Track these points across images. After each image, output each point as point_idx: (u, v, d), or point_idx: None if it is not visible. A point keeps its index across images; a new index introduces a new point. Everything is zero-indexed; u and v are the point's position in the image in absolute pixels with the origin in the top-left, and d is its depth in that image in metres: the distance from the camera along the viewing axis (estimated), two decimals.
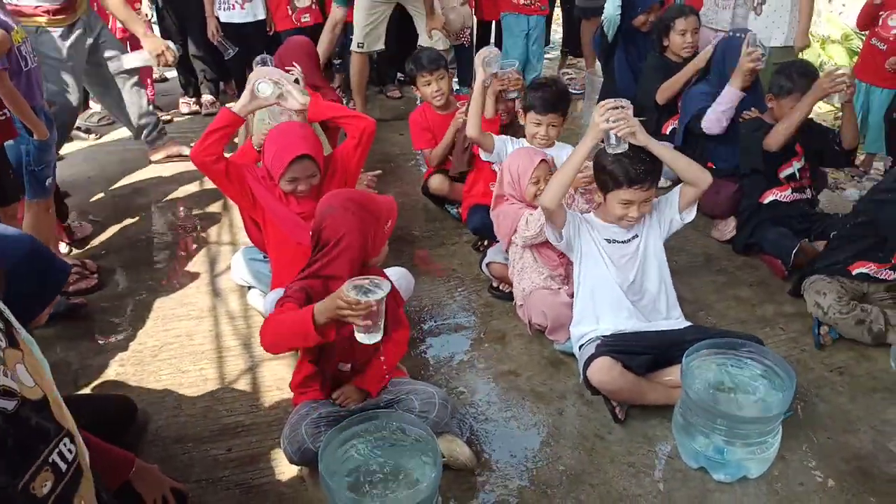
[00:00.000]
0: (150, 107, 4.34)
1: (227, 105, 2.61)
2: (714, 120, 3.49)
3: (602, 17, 4.41)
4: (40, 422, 1.06)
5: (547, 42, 6.50)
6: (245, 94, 2.58)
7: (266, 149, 2.62)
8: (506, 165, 2.90)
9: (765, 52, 3.35)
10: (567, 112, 3.11)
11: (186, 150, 4.28)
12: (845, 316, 2.69)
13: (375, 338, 1.83)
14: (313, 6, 4.79)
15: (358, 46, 4.55)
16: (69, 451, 1.12)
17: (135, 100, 4.13)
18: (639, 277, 2.49)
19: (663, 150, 2.39)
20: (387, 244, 2.15)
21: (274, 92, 2.56)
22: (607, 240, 2.49)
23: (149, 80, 5.09)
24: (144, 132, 4.28)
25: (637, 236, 2.50)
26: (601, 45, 4.61)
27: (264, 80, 2.56)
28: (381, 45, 4.65)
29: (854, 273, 2.81)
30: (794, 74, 3.19)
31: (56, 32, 3.53)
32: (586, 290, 2.52)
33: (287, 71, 2.97)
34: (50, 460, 1.07)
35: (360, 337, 1.82)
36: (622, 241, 2.49)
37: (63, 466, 1.10)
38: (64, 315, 2.80)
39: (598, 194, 2.48)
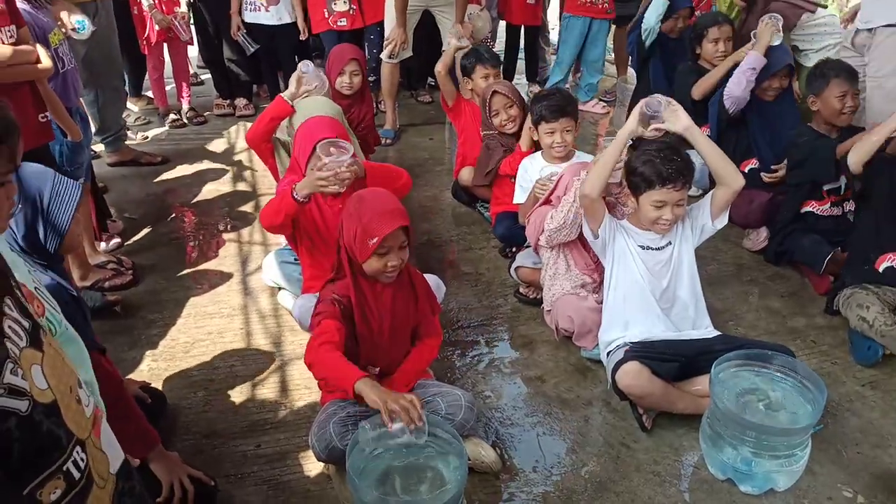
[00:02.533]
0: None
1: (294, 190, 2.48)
2: (741, 83, 3.49)
3: (642, 26, 4.39)
4: (51, 427, 1.05)
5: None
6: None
7: (295, 143, 2.67)
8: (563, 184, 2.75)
9: (781, 37, 3.51)
10: (577, 116, 3.08)
11: (142, 158, 4.40)
12: (891, 327, 2.60)
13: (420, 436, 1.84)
14: (351, 11, 4.83)
15: (389, 57, 4.59)
16: (81, 459, 1.11)
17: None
18: (671, 285, 2.48)
19: (701, 140, 2.40)
20: (407, 250, 2.08)
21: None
22: (641, 246, 2.47)
23: (184, 84, 5.18)
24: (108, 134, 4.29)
25: (671, 243, 2.48)
26: (637, 52, 4.59)
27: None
28: (409, 53, 4.69)
29: (881, 269, 2.75)
30: (826, 69, 3.19)
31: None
32: (618, 295, 2.50)
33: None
34: (64, 468, 1.07)
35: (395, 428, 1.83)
36: (656, 248, 2.47)
37: (77, 475, 1.09)
38: (100, 310, 2.86)
39: (630, 200, 2.46)
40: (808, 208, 3.25)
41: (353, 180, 2.49)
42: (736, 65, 3.71)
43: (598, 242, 2.51)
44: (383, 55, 4.63)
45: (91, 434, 1.16)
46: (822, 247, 3.12)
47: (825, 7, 4.29)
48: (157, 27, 4.67)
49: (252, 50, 4.91)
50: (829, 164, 3.08)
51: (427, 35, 4.96)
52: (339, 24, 4.84)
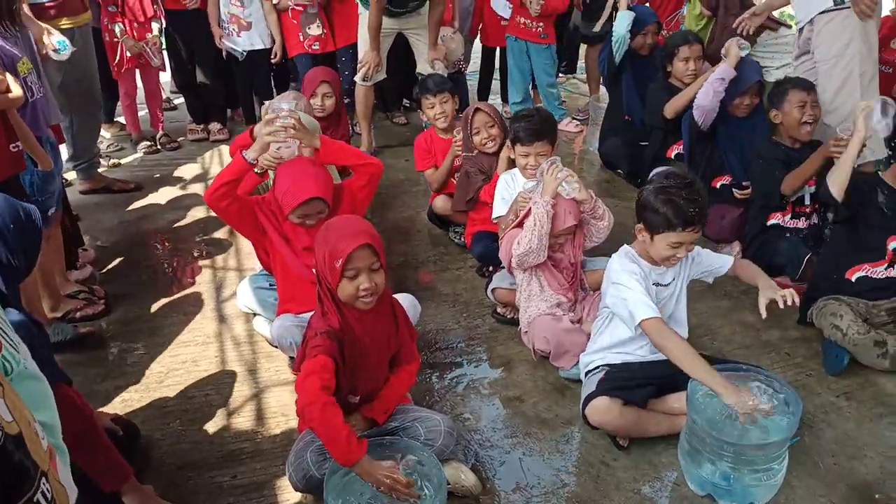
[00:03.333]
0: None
1: (243, 153, 2.56)
2: (703, 93, 3.56)
3: (612, 38, 4.42)
4: (22, 458, 1.04)
5: (573, 68, 6.72)
6: (257, 143, 2.57)
7: (278, 183, 2.64)
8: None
9: (748, 47, 3.58)
10: (555, 139, 3.09)
11: (115, 185, 4.36)
12: (864, 336, 2.64)
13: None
14: (323, 34, 4.86)
15: (363, 80, 4.61)
16: (47, 489, 1.10)
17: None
18: (670, 316, 2.44)
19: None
20: (382, 273, 2.06)
21: (286, 146, 2.64)
22: (655, 283, 2.40)
23: (157, 110, 5.15)
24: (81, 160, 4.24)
25: (675, 278, 2.43)
26: (608, 68, 4.62)
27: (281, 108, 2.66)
28: (384, 75, 4.71)
29: (853, 279, 2.79)
30: (785, 83, 3.29)
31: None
32: (614, 325, 2.43)
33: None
34: (35, 499, 1.05)
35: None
36: (664, 285, 2.42)
37: None
38: (72, 343, 2.82)
39: (641, 234, 2.36)
40: (774, 220, 3.32)
41: (301, 135, 2.58)
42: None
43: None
44: (357, 78, 4.65)
45: (50, 466, 1.15)
46: (799, 249, 3.18)
47: (789, 27, 4.38)
48: (128, 53, 4.65)
49: (243, 55, 4.92)
50: (774, 195, 3.24)
51: (401, 57, 4.99)
52: (313, 47, 4.87)
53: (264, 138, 2.54)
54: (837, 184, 2.76)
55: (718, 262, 2.49)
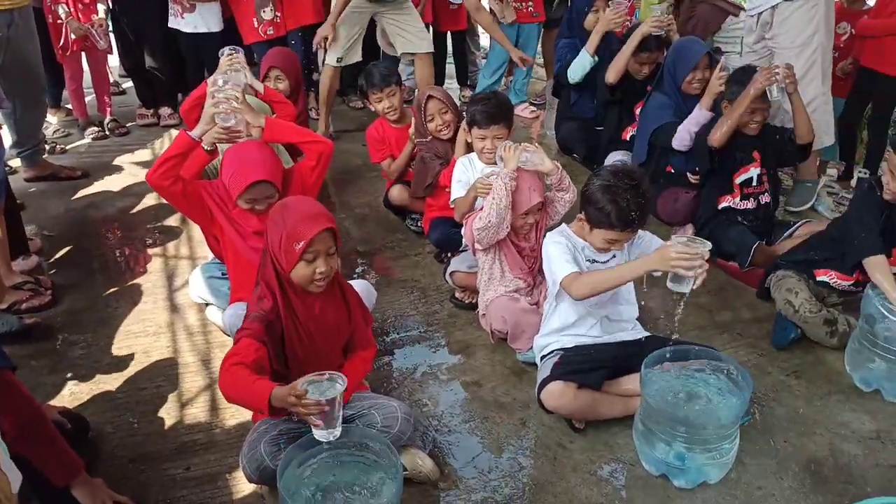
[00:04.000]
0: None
1: (187, 130, 2.55)
2: (686, 138, 3.53)
3: (568, 74, 4.31)
4: None
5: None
6: (202, 118, 2.54)
7: (224, 167, 2.58)
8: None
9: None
10: (511, 123, 3.07)
11: (61, 173, 4.23)
12: (815, 314, 2.71)
13: (334, 434, 1.77)
14: (276, 18, 4.76)
15: (337, 61, 4.53)
16: None
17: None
18: (614, 293, 2.45)
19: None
20: (337, 258, 2.05)
21: (232, 117, 2.57)
22: (588, 259, 2.43)
23: (105, 94, 5.00)
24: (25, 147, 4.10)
25: (615, 255, 2.45)
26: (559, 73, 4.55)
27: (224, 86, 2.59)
28: (358, 58, 4.64)
29: (817, 279, 2.85)
30: (745, 77, 3.27)
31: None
32: (559, 303, 2.47)
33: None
34: None
35: (318, 434, 1.77)
36: (602, 262, 2.44)
37: None
38: (18, 335, 2.73)
39: (583, 224, 2.39)
40: (725, 203, 3.36)
41: (245, 109, 2.58)
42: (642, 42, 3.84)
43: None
44: (327, 59, 4.56)
45: None
46: (747, 238, 3.22)
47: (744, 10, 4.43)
48: (73, 36, 4.49)
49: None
50: (702, 152, 3.30)
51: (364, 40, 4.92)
52: (267, 32, 4.77)
53: (208, 111, 2.52)
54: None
55: (653, 243, 2.49)
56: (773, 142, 3.32)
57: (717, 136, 3.18)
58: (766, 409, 2.49)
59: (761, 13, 3.73)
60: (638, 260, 2.28)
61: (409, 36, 4.59)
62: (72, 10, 4.48)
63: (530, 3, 5.14)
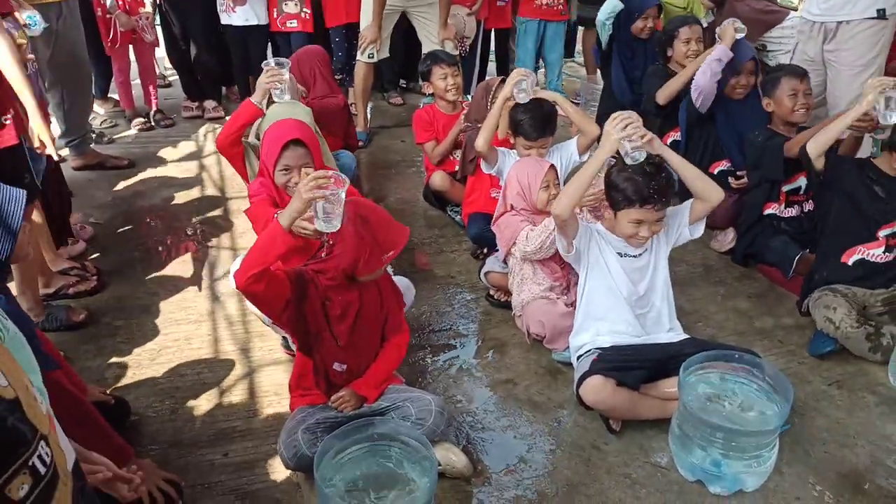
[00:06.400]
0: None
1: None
2: (701, 72, 3.51)
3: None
4: (16, 423, 1.06)
5: (570, 52, 6.46)
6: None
7: (262, 147, 2.64)
8: (512, 176, 2.86)
9: (745, 30, 3.52)
10: (556, 127, 3.09)
11: (108, 162, 4.33)
12: (856, 329, 2.64)
13: (334, 225, 1.89)
14: (303, 14, 4.81)
15: (368, 57, 4.57)
16: (46, 454, 1.12)
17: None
18: (649, 290, 2.48)
19: (677, 161, 2.38)
20: (383, 267, 2.10)
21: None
22: (619, 253, 2.46)
23: (151, 86, 5.10)
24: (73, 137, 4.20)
25: (647, 250, 2.48)
26: (600, 52, 4.65)
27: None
28: (386, 53, 4.69)
29: (850, 262, 2.79)
30: (776, 70, 3.27)
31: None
32: (590, 301, 2.49)
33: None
34: (30, 463, 1.07)
35: (319, 224, 1.89)
36: (634, 256, 2.46)
37: (42, 470, 1.10)
38: (66, 330, 2.80)
39: (608, 211, 2.46)
40: (769, 210, 3.30)
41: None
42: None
43: (573, 255, 2.48)
44: (359, 55, 4.61)
45: (50, 430, 1.16)
46: (790, 248, 3.17)
47: (795, 10, 4.35)
48: (121, 29, 4.59)
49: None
50: (777, 163, 3.16)
51: (401, 38, 4.95)
52: (288, 25, 4.81)
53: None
54: (818, 145, 2.79)
55: (679, 212, 2.49)
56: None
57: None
58: (805, 418, 2.45)
59: (824, 23, 3.65)
60: (593, 156, 2.37)
61: (434, 38, 4.61)
62: (120, 3, 4.58)
63: (560, 1, 5.14)
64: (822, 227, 2.97)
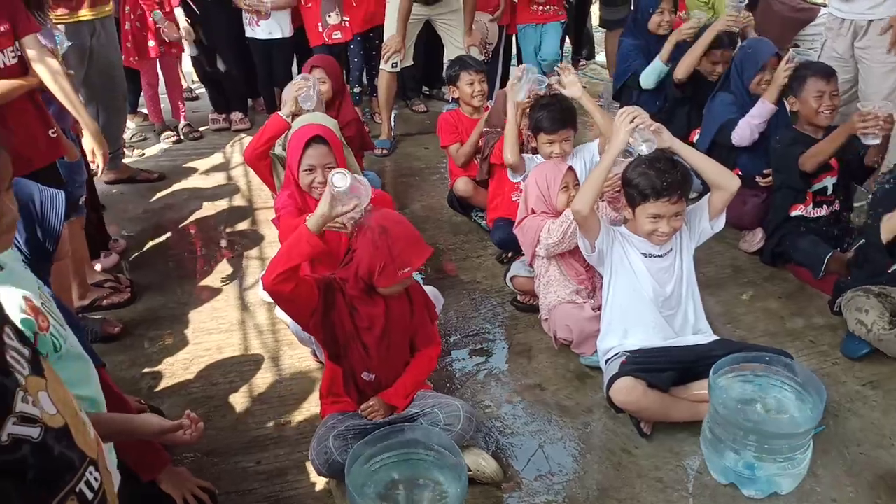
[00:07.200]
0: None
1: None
2: (747, 133, 3.46)
3: (640, 79, 4.26)
4: (63, 451, 1.06)
5: (591, 54, 6.48)
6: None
7: (287, 152, 2.70)
8: (531, 181, 2.87)
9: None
10: (576, 124, 3.09)
11: (139, 175, 4.41)
12: (888, 331, 2.59)
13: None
14: (343, 23, 4.85)
15: (392, 66, 4.60)
16: (95, 479, 1.12)
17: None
18: (675, 291, 2.47)
19: (688, 151, 2.40)
20: (401, 283, 2.07)
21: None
22: (644, 254, 2.45)
23: (180, 104, 5.18)
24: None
25: (672, 249, 2.47)
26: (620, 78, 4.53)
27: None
28: (410, 62, 4.72)
29: (890, 271, 2.73)
30: (803, 69, 3.21)
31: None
32: (616, 304, 2.49)
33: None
34: (77, 490, 1.07)
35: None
36: (659, 256, 2.46)
37: (90, 496, 1.10)
38: (101, 342, 2.84)
39: (626, 210, 2.46)
40: (796, 212, 3.26)
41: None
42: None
43: (595, 255, 2.49)
44: (383, 64, 4.64)
45: (98, 454, 1.17)
46: (819, 248, 3.12)
47: (825, 6, 4.29)
48: (166, 39, 4.63)
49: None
50: (793, 174, 3.14)
51: (423, 46, 4.97)
52: (334, 37, 4.85)
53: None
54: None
55: (697, 208, 2.48)
56: (852, 151, 3.19)
57: (810, 164, 3.02)
58: (840, 419, 2.41)
59: (854, 20, 3.61)
60: (606, 151, 2.43)
61: (459, 44, 4.63)
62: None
63: (553, 6, 5.13)
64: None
